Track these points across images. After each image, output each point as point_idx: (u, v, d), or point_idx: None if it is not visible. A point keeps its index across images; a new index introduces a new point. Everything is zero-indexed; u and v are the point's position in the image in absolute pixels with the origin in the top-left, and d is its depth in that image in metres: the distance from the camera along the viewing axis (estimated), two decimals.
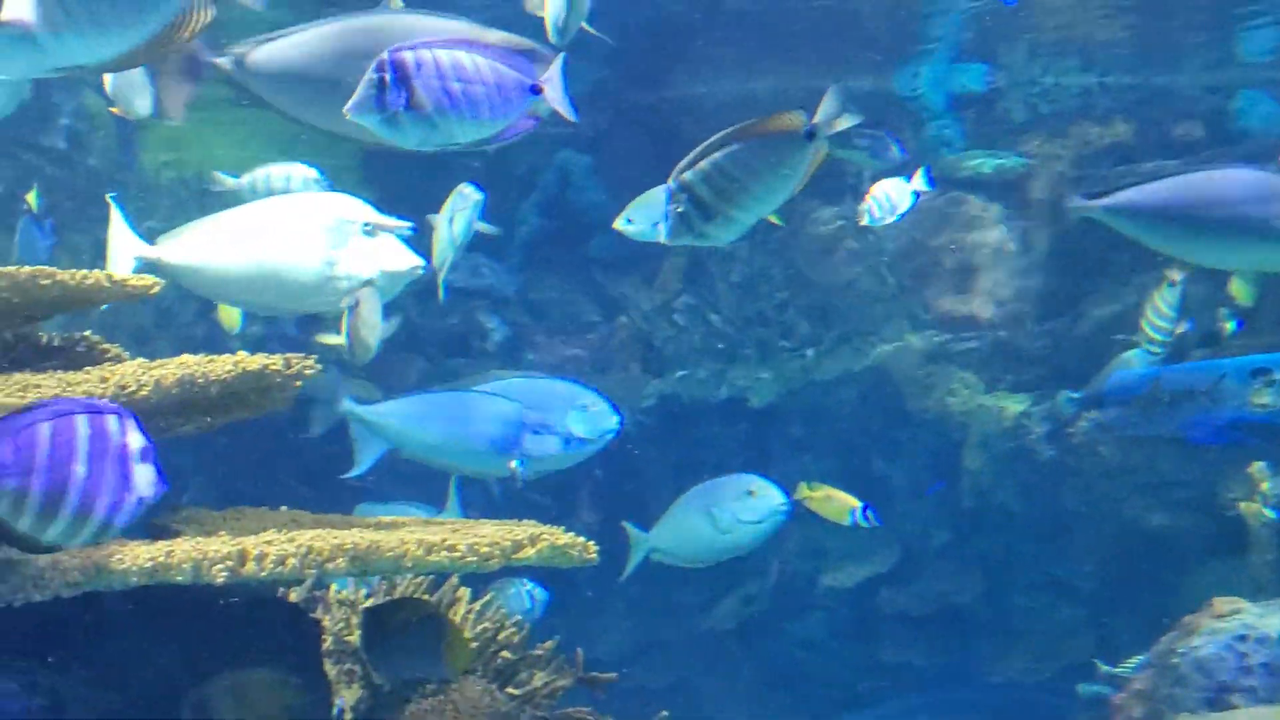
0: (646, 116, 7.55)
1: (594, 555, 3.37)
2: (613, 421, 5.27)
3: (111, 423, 2.42)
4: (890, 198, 5.54)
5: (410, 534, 3.18)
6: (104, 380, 3.16)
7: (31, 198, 6.65)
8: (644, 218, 6.25)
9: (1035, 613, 7.05)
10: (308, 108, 4.07)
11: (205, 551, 2.95)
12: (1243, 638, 4.94)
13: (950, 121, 7.58)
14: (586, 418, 5.19)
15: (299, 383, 3.59)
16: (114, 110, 5.59)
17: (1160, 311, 5.87)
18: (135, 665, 3.19)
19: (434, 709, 3.13)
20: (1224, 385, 6.59)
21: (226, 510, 3.74)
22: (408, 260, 4.03)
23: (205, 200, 8.17)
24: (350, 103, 3.50)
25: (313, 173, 5.59)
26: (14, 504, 2.31)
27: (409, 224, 4.21)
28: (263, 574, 2.94)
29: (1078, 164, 7.12)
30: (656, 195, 6.35)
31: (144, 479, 2.41)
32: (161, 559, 2.91)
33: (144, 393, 3.16)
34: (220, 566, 2.93)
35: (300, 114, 4.12)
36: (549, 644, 3.95)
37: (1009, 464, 6.96)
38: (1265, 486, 5.95)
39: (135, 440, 2.42)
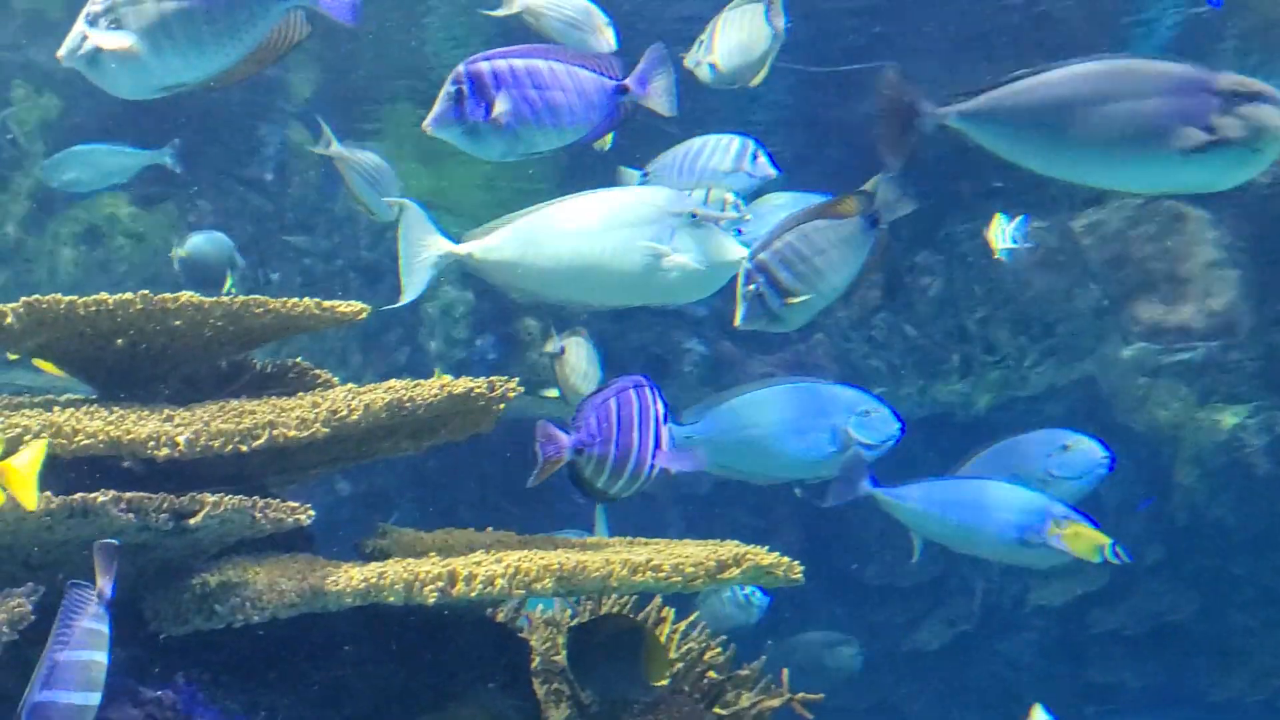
0: (846, 131, 7.50)
1: (799, 575, 3.34)
2: (894, 427, 5.24)
3: (647, 394, 2.98)
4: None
5: (615, 554, 3.19)
6: (315, 405, 3.23)
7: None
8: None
9: (1255, 630, 6.81)
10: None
11: (416, 573, 3.00)
12: None
13: None
14: (869, 423, 5.17)
15: (502, 405, 3.63)
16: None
17: None
18: (351, 686, 3.25)
19: None
20: None
21: (435, 532, 3.80)
22: (735, 251, 4.01)
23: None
24: (429, 117, 3.50)
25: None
26: (597, 466, 3.00)
27: (737, 215, 4.20)
28: (472, 594, 2.98)
29: None
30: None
31: (664, 437, 3.02)
32: (374, 580, 2.97)
33: (354, 417, 3.23)
34: (431, 587, 2.97)
35: None
36: (755, 664, 3.93)
37: (1224, 478, 6.74)
38: None
39: (660, 407, 2.99)
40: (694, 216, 3.92)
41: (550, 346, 5.48)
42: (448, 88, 3.48)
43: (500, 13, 4.73)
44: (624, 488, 3.17)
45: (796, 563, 3.38)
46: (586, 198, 4.15)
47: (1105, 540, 5.58)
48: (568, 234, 3.98)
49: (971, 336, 7.49)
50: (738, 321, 3.73)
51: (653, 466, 3.09)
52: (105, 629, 2.38)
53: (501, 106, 3.46)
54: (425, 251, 3.96)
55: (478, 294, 8.32)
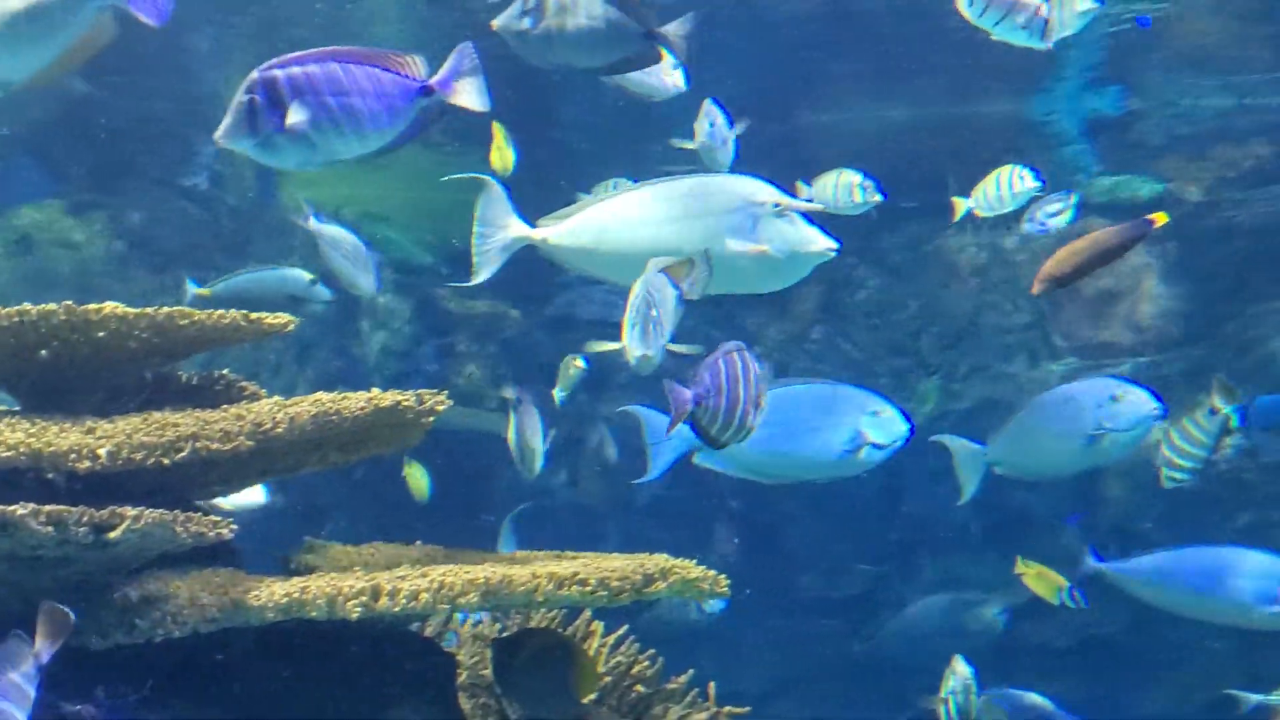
0: (777, 147, 7.53)
1: (725, 589, 3.35)
2: (904, 428, 5.24)
3: (748, 356, 3.42)
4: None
5: (542, 568, 3.19)
6: (240, 418, 3.21)
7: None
8: None
9: (1182, 645, 6.88)
10: None
11: (340, 587, 2.99)
12: None
13: (1085, 146, 7.48)
14: (879, 423, 5.18)
15: (431, 418, 3.62)
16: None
17: (1193, 438, 5.54)
18: (274, 701, 3.24)
19: None
20: None
21: (361, 545, 3.79)
22: (821, 242, 3.98)
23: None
24: (220, 129, 3.34)
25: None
26: (712, 416, 3.38)
27: (820, 206, 4.18)
28: (396, 609, 2.97)
29: (1217, 187, 6.98)
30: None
31: (764, 392, 3.45)
32: (297, 595, 2.96)
33: (279, 430, 3.21)
34: (355, 602, 2.96)
35: None
36: (682, 678, 3.94)
37: (1152, 492, 6.80)
38: None
39: (757, 368, 3.41)
40: (776, 206, 3.91)
41: (508, 394, 5.46)
42: (239, 97, 3.32)
43: None
44: (732, 436, 3.49)
45: (723, 576, 3.39)
46: (668, 184, 4.11)
47: (1064, 583, 5.62)
48: (648, 221, 3.95)
49: (905, 350, 7.55)
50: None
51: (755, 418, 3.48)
52: (32, 691, 2.36)
53: (296, 116, 3.31)
54: (500, 233, 3.92)
55: (416, 304, 8.30)
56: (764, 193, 3.95)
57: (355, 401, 3.40)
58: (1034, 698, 5.26)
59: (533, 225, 4.08)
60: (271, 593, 2.96)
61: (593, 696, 3.66)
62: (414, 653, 3.52)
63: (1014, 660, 7.22)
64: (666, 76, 4.90)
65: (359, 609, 2.96)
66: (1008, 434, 5.70)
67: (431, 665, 3.52)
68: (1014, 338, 7.17)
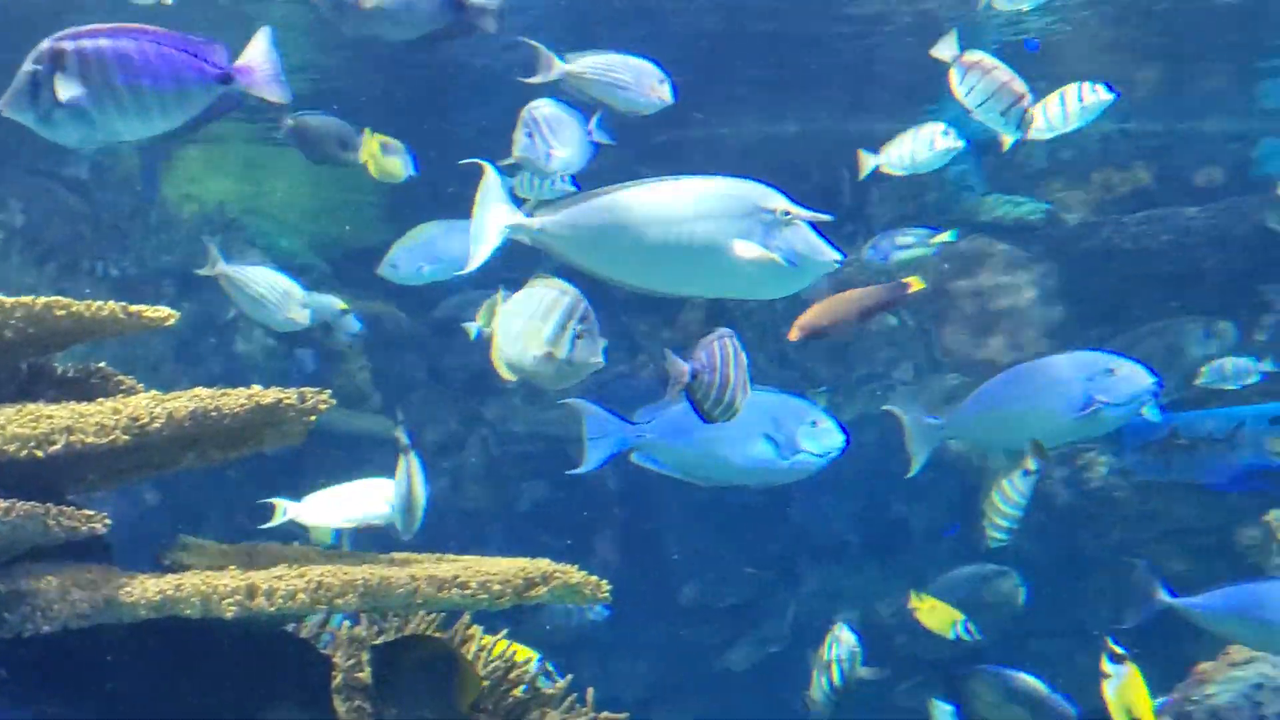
0: (668, 154, 7.57)
1: (606, 595, 3.35)
2: (839, 439, 5.27)
3: (738, 343, 3.70)
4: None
5: (421, 570, 3.17)
6: (116, 412, 3.16)
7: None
8: (407, 260, 6.25)
9: (1051, 658, 6.99)
10: None
11: (214, 585, 2.95)
12: (1259, 686, 4.90)
13: (972, 166, 7.58)
14: (815, 434, 5.21)
15: (313, 417, 3.58)
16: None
17: (1009, 499, 5.66)
18: (145, 701, 3.18)
19: None
20: (1243, 432, 6.56)
21: (238, 544, 3.73)
22: (827, 253, 3.93)
23: (228, 234, 8.23)
24: (3, 97, 3.30)
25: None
26: (706, 390, 3.66)
27: (829, 216, 4.14)
28: (272, 608, 2.93)
29: (1099, 209, 7.11)
30: (426, 233, 6.32)
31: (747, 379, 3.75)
32: (171, 592, 2.91)
33: (156, 425, 3.16)
34: (230, 600, 2.92)
35: None
36: (561, 684, 3.93)
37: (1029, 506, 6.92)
38: None
39: (743, 356, 3.71)
40: (786, 214, 3.88)
41: (400, 438, 5.36)
42: (27, 65, 3.25)
43: (537, 79, 4.69)
44: (722, 413, 3.74)
45: (604, 582, 3.38)
46: (676, 183, 4.05)
47: (959, 616, 5.67)
48: (654, 218, 3.88)
49: (792, 363, 7.60)
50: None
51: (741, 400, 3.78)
52: None
53: (70, 91, 3.24)
54: (494, 221, 3.85)
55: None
56: (774, 199, 3.92)
57: (235, 398, 3.34)
58: (1026, 678, 5.24)
59: (529, 214, 4.03)
60: (145, 589, 2.90)
61: (471, 702, 3.64)
62: (289, 654, 3.47)
63: (891, 669, 7.29)
64: (651, 92, 4.89)
65: (234, 608, 2.91)
66: (974, 405, 5.62)
67: (307, 667, 3.48)
68: (897, 350, 7.25)
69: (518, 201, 4.00)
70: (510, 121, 4.83)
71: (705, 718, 7.46)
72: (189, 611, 2.91)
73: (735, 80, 7.46)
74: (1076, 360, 5.50)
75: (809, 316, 5.44)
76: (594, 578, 3.38)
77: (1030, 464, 5.55)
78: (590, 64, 4.78)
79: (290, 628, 3.71)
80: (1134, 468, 6.88)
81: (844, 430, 5.26)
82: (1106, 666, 5.11)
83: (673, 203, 3.89)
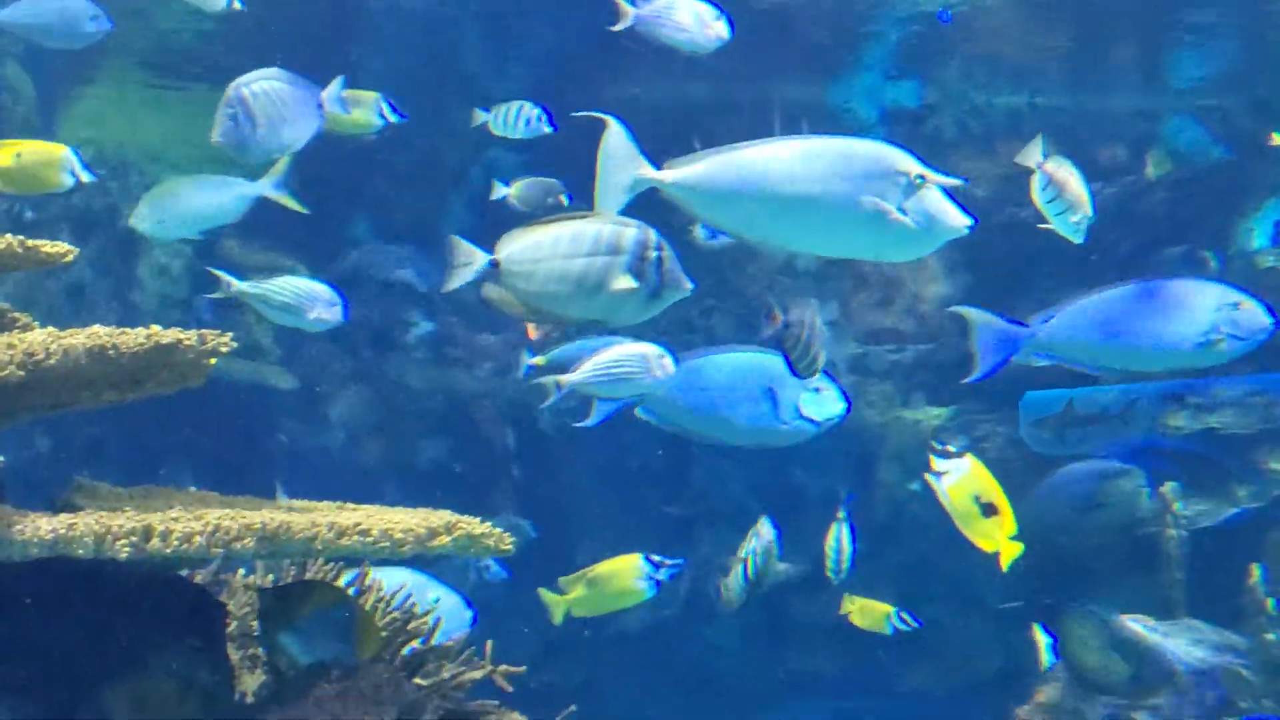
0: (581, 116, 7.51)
1: (509, 546, 3.33)
2: (840, 407, 5.26)
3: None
4: None
5: (323, 517, 3.13)
6: (11, 347, 3.08)
7: None
8: (151, 213, 6.16)
9: (946, 625, 7.07)
10: None
11: (109, 526, 2.89)
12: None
13: (881, 136, 7.61)
14: (818, 400, 5.21)
15: (213, 359, 3.51)
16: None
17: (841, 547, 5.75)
18: (30, 644, 3.11)
19: (338, 694, 3.07)
20: (1137, 408, 6.65)
21: (133, 488, 3.66)
22: (956, 218, 3.86)
23: (128, 180, 8.07)
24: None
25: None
26: (794, 342, 4.02)
27: (961, 181, 4.06)
28: (168, 551, 2.88)
29: (1003, 183, 7.17)
30: (173, 187, 6.21)
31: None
32: (63, 531, 2.84)
33: (52, 361, 3.08)
34: (124, 542, 2.86)
35: None
36: (459, 636, 3.90)
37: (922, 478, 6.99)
38: (1176, 507, 5.99)
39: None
40: (919, 178, 3.83)
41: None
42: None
43: (618, 28, 4.64)
44: (807, 366, 4.02)
45: (507, 534, 3.37)
46: (812, 141, 3.99)
47: (890, 609, 5.67)
48: (790, 176, 3.82)
49: (696, 328, 7.60)
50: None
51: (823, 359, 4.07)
52: None
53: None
54: (623, 173, 3.75)
55: (196, 252, 8.07)
56: (907, 162, 3.89)
57: (134, 337, 3.28)
58: (1133, 625, 4.98)
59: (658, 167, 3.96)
60: (37, 528, 2.84)
61: (369, 651, 3.61)
62: (183, 599, 3.42)
63: (785, 637, 7.34)
64: (708, 29, 4.88)
65: (128, 549, 2.86)
66: (1074, 318, 5.38)
67: (201, 613, 3.42)
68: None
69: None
70: (425, 60, 4.80)
71: (598, 679, 7.47)
72: (82, 552, 2.85)
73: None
74: (1205, 288, 5.33)
75: None
76: (497, 530, 3.36)
77: (841, 514, 5.81)
78: (653, 8, 4.79)
79: (185, 573, 3.64)
80: (1028, 440, 6.95)
81: (846, 398, 5.29)
82: (937, 464, 5.11)
83: (809, 161, 3.86)
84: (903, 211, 3.86)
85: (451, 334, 7.88)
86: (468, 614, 5.07)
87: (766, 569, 5.29)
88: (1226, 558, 5.16)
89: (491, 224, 7.82)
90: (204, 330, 3.42)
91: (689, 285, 3.74)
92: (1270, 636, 5.08)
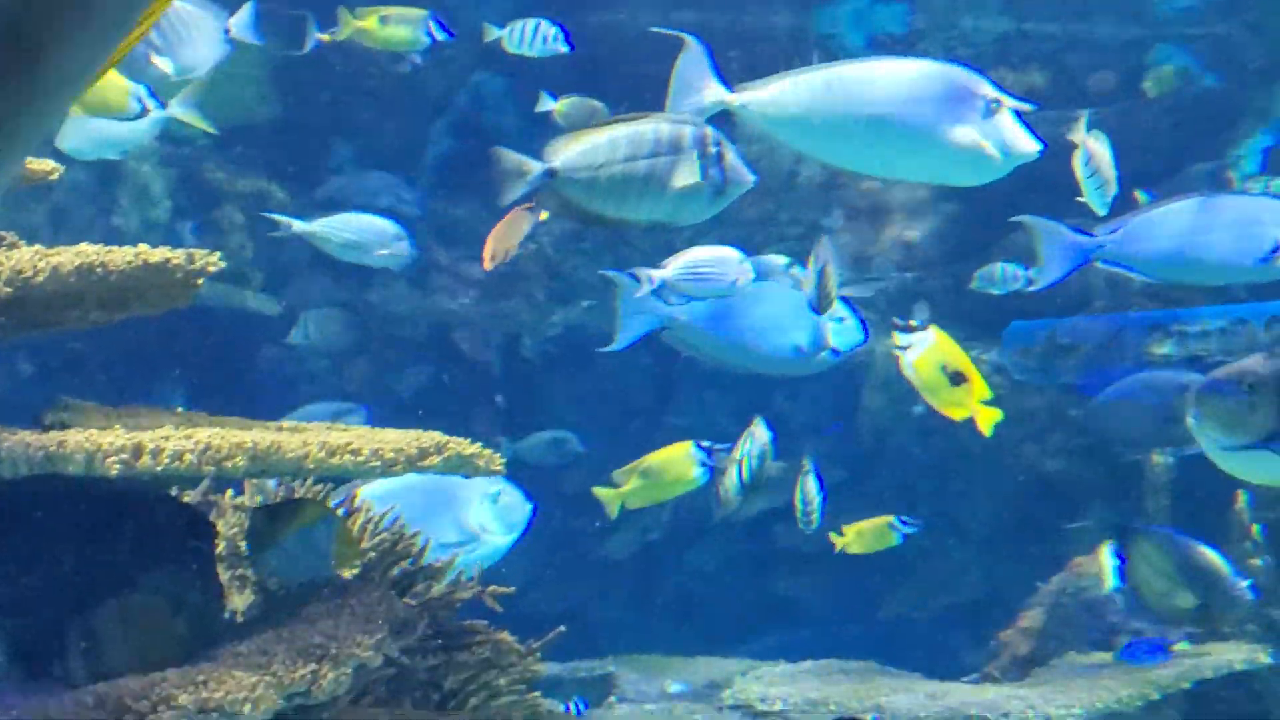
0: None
1: (500, 467, 3.34)
2: (859, 337, 5.30)
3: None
4: None
5: (314, 437, 3.13)
6: None
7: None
8: (71, 134, 6.04)
9: (927, 552, 7.10)
10: None
11: (99, 443, 2.88)
12: None
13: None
14: (840, 330, 5.25)
15: (201, 280, 3.50)
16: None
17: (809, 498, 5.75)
18: (20, 561, 3.11)
19: (329, 612, 3.08)
20: (1122, 337, 6.66)
21: (120, 407, 3.65)
22: (1028, 143, 3.82)
23: None
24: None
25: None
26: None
27: (1033, 105, 4.02)
28: (159, 468, 2.88)
29: None
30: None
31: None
32: (54, 448, 2.84)
33: (40, 279, 3.07)
34: (115, 459, 2.85)
35: None
36: (449, 557, 3.92)
37: (908, 404, 6.99)
38: None
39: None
40: (996, 102, 3.79)
41: None
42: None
43: None
44: (823, 302, 4.36)
45: (497, 455, 3.37)
46: (890, 63, 3.94)
47: (888, 520, 5.64)
48: (869, 99, 3.77)
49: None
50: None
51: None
52: None
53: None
54: (695, 95, 3.69)
55: (179, 177, 8.02)
56: (985, 86, 3.85)
57: (123, 255, 3.26)
58: (1206, 552, 4.79)
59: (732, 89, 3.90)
60: (27, 445, 2.83)
61: (349, 565, 3.62)
62: (172, 519, 3.42)
63: (767, 564, 7.38)
64: None
65: (119, 466, 2.85)
66: (1139, 228, 5.20)
67: (190, 532, 3.42)
68: (787, 246, 7.25)
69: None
70: None
71: (584, 604, 7.51)
72: (72, 469, 2.84)
73: None
74: (1271, 205, 5.24)
75: (492, 245, 5.45)
76: (487, 450, 3.36)
77: (806, 465, 5.75)
78: None
79: (174, 491, 3.64)
80: (1011, 368, 6.96)
81: (864, 328, 5.32)
82: (900, 338, 5.06)
83: (889, 84, 3.81)
84: (982, 136, 3.84)
85: (434, 260, 7.86)
86: (528, 506, 5.03)
87: (762, 470, 5.29)
88: (1212, 483, 5.17)
89: (474, 149, 7.82)
90: (193, 250, 3.41)
91: (751, 178, 3.69)
92: (1256, 562, 5.12)
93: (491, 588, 3.86)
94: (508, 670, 3.84)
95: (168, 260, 3.34)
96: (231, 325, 7.73)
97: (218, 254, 3.49)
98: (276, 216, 5.74)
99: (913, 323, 5.10)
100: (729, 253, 5.04)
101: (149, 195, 8.17)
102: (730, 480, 5.32)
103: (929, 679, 5.07)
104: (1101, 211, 5.02)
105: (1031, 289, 5.24)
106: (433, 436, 3.30)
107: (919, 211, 7.23)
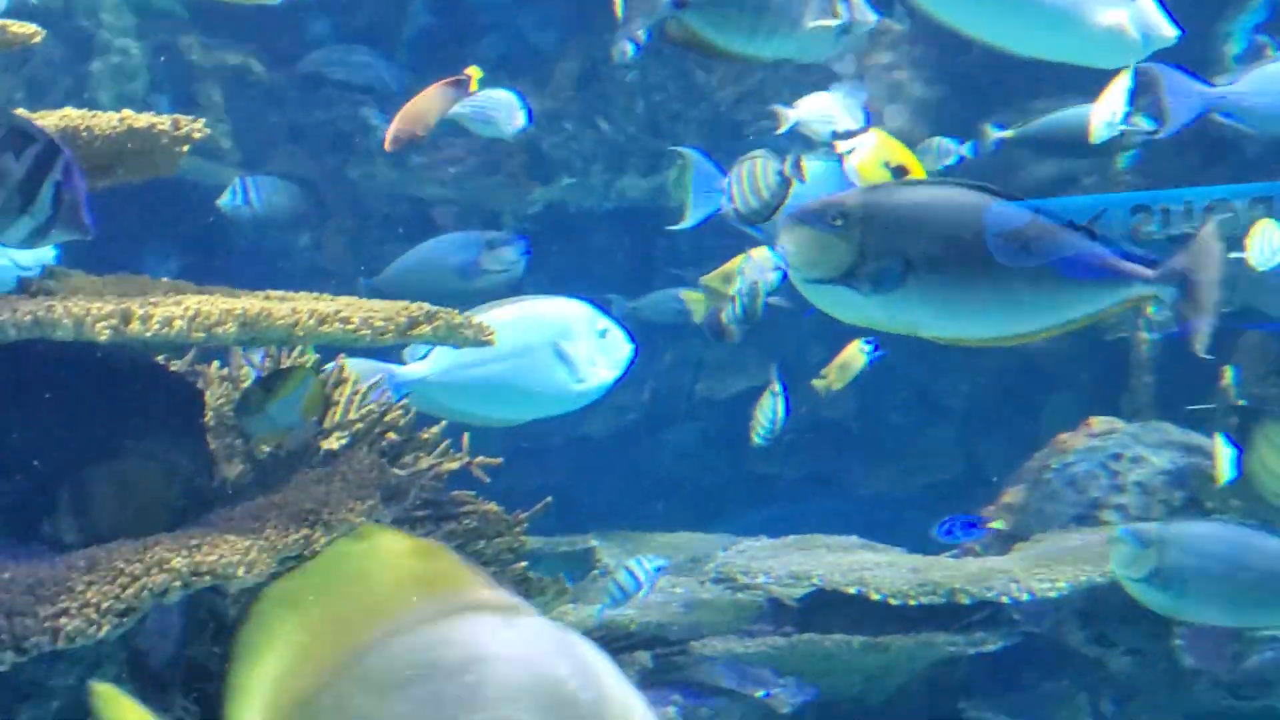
0: None
1: (491, 338, 3.33)
2: (628, 350, 4.76)
3: None
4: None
5: (303, 305, 3.11)
6: None
7: None
8: None
9: (907, 431, 7.15)
10: None
11: (88, 308, 2.86)
12: (1117, 456, 5.04)
13: None
14: (606, 345, 4.66)
15: (186, 146, 3.46)
16: None
17: (766, 416, 5.73)
18: (13, 423, 3.10)
19: (320, 479, 3.08)
20: (1105, 219, 6.65)
21: (106, 276, 3.63)
22: (1167, 28, 3.73)
23: None
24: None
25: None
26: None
27: None
28: (148, 334, 2.86)
29: None
30: None
31: None
32: (42, 314, 2.81)
33: None
34: (104, 324, 2.83)
35: None
36: (435, 429, 3.92)
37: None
38: (1150, 311, 6.03)
39: None
40: None
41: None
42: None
43: None
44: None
45: (487, 325, 3.36)
46: None
47: (855, 346, 5.60)
48: None
49: (663, 132, 7.53)
50: None
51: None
52: None
53: None
54: None
55: (155, 50, 7.91)
56: None
57: (107, 120, 3.23)
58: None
59: None
60: (15, 310, 2.81)
61: (344, 440, 3.63)
62: (161, 387, 3.41)
63: (746, 441, 7.40)
64: None
65: (108, 331, 2.83)
66: (1260, 82, 5.07)
67: (179, 401, 3.42)
68: (769, 124, 7.20)
69: None
70: None
71: (564, 482, 7.54)
72: (60, 334, 2.82)
73: None
74: None
75: (399, 126, 5.24)
76: (475, 319, 3.36)
77: (776, 386, 5.73)
78: None
79: (161, 360, 3.63)
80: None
81: (632, 338, 4.77)
82: (840, 146, 4.86)
83: None
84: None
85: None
86: (630, 346, 4.76)
87: (755, 303, 5.19)
88: (1198, 360, 5.19)
89: (450, 26, 7.72)
90: (179, 116, 3.37)
91: (874, 16, 3.61)
92: None
93: (479, 459, 3.87)
94: (494, 540, 3.87)
95: (153, 125, 3.30)
96: (208, 200, 7.67)
97: (202, 120, 3.45)
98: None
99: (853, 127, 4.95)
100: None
101: (125, 69, 8.06)
102: (730, 312, 5.18)
103: (911, 554, 5.12)
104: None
105: (1158, 136, 5.16)
106: (421, 306, 3.28)
107: (909, 86, 7.17)
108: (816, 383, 5.78)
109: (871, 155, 4.59)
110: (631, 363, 4.73)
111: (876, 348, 5.68)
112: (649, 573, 4.61)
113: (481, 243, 6.44)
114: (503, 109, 5.56)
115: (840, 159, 4.76)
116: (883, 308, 2.64)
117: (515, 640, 1.14)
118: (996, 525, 4.95)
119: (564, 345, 4.57)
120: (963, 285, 2.62)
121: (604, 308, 4.98)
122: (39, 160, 2.44)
